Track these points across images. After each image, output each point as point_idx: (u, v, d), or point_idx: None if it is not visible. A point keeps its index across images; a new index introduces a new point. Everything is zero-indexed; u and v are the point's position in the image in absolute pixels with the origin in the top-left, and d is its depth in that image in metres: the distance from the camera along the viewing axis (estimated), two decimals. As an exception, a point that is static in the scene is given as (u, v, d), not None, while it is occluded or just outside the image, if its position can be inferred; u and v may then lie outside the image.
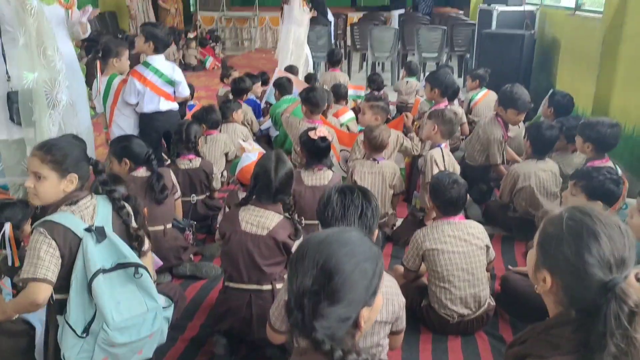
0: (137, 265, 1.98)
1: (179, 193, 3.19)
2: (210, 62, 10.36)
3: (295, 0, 6.66)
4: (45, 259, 1.85)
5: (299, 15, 6.69)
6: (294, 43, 6.76)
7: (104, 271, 1.91)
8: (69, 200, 1.95)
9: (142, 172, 3.02)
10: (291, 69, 6.39)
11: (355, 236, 1.22)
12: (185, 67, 9.82)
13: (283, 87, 5.29)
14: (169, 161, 3.86)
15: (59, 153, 1.94)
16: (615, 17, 4.47)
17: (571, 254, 1.21)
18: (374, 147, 3.46)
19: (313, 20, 8.82)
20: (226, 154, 4.17)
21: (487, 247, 2.58)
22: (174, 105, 3.96)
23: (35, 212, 2.42)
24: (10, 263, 2.28)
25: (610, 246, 1.19)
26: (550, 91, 5.11)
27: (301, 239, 2.35)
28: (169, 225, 3.01)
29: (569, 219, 1.24)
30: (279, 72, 6.10)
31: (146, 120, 3.89)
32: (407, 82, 6.26)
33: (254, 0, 13.56)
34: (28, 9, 3.11)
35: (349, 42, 10.17)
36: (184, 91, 4.00)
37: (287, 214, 2.38)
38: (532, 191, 3.45)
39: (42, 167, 1.92)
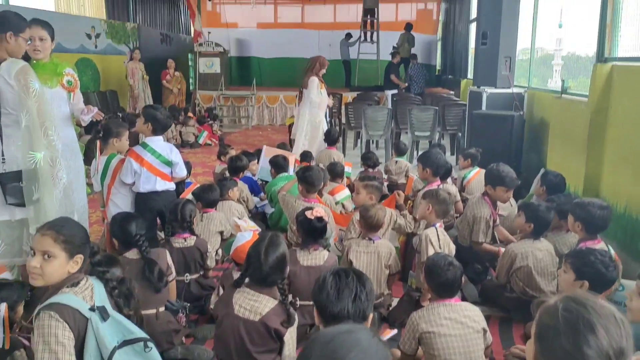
0: (145, 340, 1.98)
1: (173, 274, 3.16)
2: (204, 136, 10.55)
3: (313, 84, 6.80)
4: (65, 344, 1.83)
5: (316, 98, 6.81)
6: (309, 124, 6.85)
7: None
8: (70, 282, 1.96)
9: (135, 253, 3.00)
10: (283, 146, 6.51)
11: (362, 338, 1.19)
12: (183, 144, 9.99)
13: (279, 165, 5.37)
14: (163, 239, 3.86)
15: (69, 233, 1.99)
16: (600, 101, 4.64)
17: (569, 346, 1.21)
18: (369, 226, 3.48)
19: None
20: (221, 233, 4.17)
21: (485, 331, 2.54)
22: (171, 185, 3.99)
23: (26, 295, 2.38)
24: (0, 345, 2.23)
25: (607, 338, 1.19)
26: (543, 170, 5.21)
27: (295, 325, 2.32)
28: (162, 309, 2.96)
29: (564, 310, 1.24)
30: (266, 150, 6.21)
31: (142, 200, 3.90)
32: (397, 162, 6.36)
33: (252, 80, 14.06)
34: (31, 92, 3.21)
35: (343, 121, 10.43)
36: (181, 172, 4.03)
37: (281, 297, 2.37)
38: (530, 271, 3.44)
39: (55, 246, 1.95)
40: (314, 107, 6.84)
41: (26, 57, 3.58)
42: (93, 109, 3.90)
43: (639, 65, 4.26)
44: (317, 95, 6.80)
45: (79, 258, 1.99)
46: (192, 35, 17.33)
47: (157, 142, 3.91)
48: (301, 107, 6.96)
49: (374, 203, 3.81)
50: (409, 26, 14.60)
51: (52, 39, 3.82)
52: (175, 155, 3.95)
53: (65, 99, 3.84)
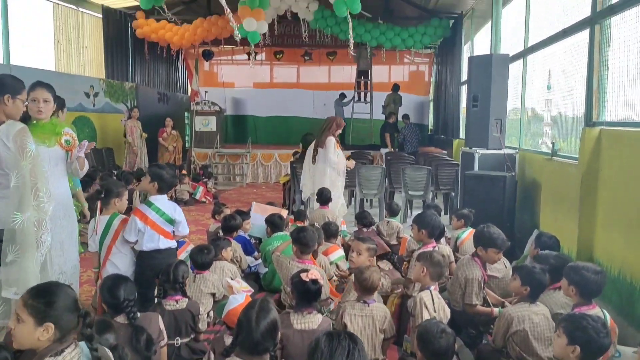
0: None
1: (165, 340, 3.10)
2: (200, 192, 10.58)
3: (330, 143, 6.79)
4: None
5: (334, 157, 6.77)
6: (331, 185, 6.75)
7: None
8: (54, 351, 1.92)
9: (125, 318, 2.95)
10: (272, 204, 6.52)
11: None
12: (177, 201, 9.99)
13: (275, 224, 5.37)
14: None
15: (44, 300, 1.95)
16: (590, 165, 4.71)
17: None
18: (364, 289, 3.45)
19: (302, 158, 9.17)
20: (213, 294, 4.12)
21: (481, 399, 2.49)
22: (173, 243, 4.04)
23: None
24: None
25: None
26: (537, 232, 5.22)
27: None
28: (153, 378, 2.89)
29: None
30: (255, 206, 6.21)
31: (144, 258, 3.93)
32: (388, 222, 6.35)
33: (247, 138, 14.26)
34: (26, 152, 3.24)
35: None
36: (184, 230, 4.10)
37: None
38: (526, 335, 3.39)
39: (23, 310, 1.94)
40: (334, 169, 6.83)
41: (24, 118, 3.64)
42: (84, 143, 3.93)
43: (626, 130, 4.36)
44: (334, 154, 6.82)
45: (49, 326, 1.93)
46: (189, 94, 17.70)
47: (162, 201, 3.98)
48: (319, 164, 6.87)
49: (369, 265, 3.79)
50: (396, 87, 15.06)
51: (55, 101, 3.91)
52: (178, 214, 4.02)
53: (63, 158, 3.87)
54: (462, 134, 11.56)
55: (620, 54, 4.63)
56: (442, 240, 5.25)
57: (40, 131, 3.71)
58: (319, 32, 13.38)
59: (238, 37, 8.37)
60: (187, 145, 14.04)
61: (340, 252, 5.14)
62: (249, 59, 16.86)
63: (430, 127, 17.32)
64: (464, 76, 11.14)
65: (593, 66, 4.89)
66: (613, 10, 4.57)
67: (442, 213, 8.12)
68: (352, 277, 3.76)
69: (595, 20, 4.87)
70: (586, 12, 5.12)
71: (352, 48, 10.22)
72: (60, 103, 4.81)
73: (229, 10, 7.77)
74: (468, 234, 5.45)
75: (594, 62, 4.88)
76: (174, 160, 12.67)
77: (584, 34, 5.19)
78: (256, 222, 5.98)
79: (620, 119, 4.65)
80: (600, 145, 4.67)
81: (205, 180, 11.33)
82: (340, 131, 6.98)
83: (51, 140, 3.81)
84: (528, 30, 7.24)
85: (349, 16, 9.90)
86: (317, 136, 7.04)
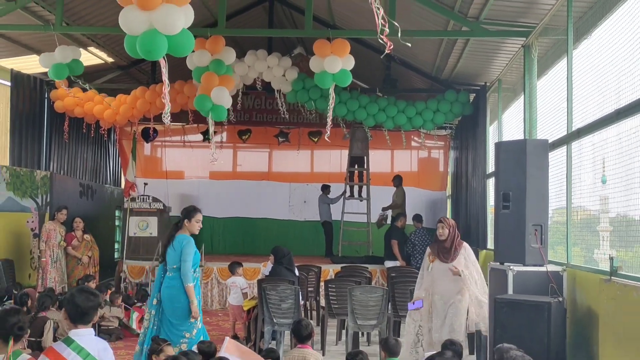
0: None
1: None
2: (135, 318, 10.39)
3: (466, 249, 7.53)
4: None
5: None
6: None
7: None
8: None
9: None
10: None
11: None
12: (99, 331, 9.74)
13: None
14: None
15: None
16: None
17: None
18: None
19: (275, 275, 9.12)
20: None
21: None
22: None
23: None
24: None
25: None
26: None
27: None
28: None
29: None
30: (229, 345, 6.10)
31: None
32: None
33: (199, 247, 14.15)
34: None
35: (322, 304, 10.39)
36: None
37: None
38: None
39: None
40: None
41: None
42: None
43: None
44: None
45: None
46: (123, 186, 17.75)
47: (86, 337, 4.01)
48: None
49: None
50: (397, 179, 15.24)
51: None
52: (108, 356, 4.05)
53: None
54: (490, 243, 11.63)
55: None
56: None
57: None
58: (299, 106, 13.75)
59: (168, 120, 8.60)
60: (116, 255, 13.95)
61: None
62: (204, 140, 16.91)
63: (448, 232, 17.41)
64: (491, 167, 11.38)
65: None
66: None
67: (467, 353, 8.01)
68: None
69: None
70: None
71: (328, 131, 10.56)
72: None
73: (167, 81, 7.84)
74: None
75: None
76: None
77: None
78: None
79: None
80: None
81: (140, 304, 11.14)
82: None
83: None
84: (571, 109, 7.48)
85: (332, 90, 10.29)
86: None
